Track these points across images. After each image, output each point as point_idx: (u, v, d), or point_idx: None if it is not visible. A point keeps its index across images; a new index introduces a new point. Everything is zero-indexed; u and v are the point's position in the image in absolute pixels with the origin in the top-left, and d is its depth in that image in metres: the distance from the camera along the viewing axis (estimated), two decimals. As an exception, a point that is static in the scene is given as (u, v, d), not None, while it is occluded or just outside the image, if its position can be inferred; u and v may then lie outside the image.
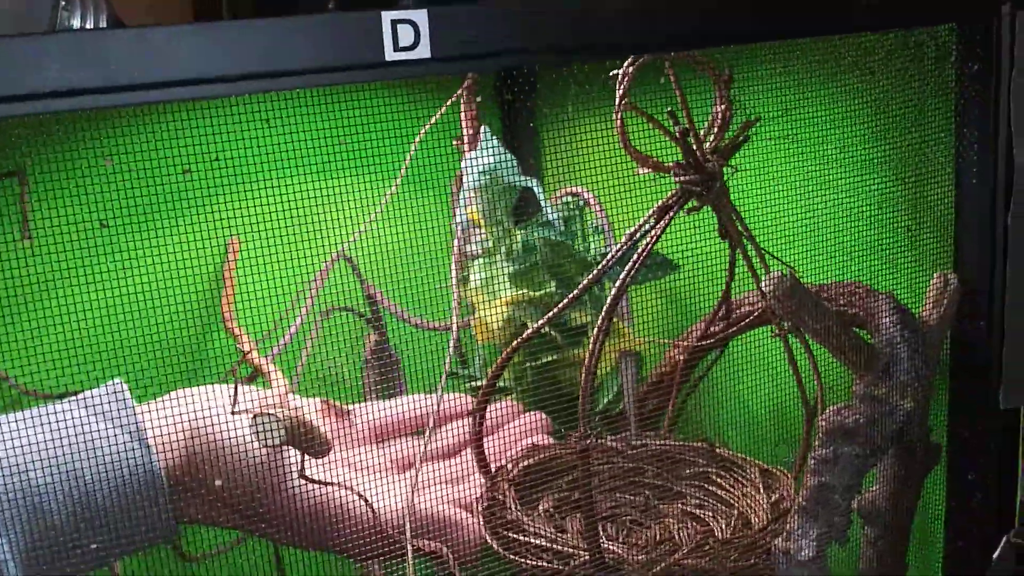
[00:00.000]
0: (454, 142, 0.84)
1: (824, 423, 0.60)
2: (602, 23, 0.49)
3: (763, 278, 0.58)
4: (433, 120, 0.76)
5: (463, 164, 0.80)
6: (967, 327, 0.63)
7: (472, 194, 0.79)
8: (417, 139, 0.75)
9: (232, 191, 0.64)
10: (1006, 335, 0.61)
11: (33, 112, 0.39)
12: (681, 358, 0.74)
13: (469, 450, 0.72)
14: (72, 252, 0.56)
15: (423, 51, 0.45)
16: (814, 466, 0.60)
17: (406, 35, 0.44)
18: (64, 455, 0.57)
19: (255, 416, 0.58)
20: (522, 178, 0.78)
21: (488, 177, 0.77)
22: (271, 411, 0.58)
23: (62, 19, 0.52)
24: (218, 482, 0.60)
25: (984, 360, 0.62)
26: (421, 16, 0.44)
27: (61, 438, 0.57)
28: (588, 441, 0.59)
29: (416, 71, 0.45)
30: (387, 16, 0.44)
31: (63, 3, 0.51)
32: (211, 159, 0.48)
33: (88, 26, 0.53)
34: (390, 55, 0.44)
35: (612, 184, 0.66)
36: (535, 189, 0.78)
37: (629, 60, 0.59)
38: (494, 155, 0.77)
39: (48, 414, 0.58)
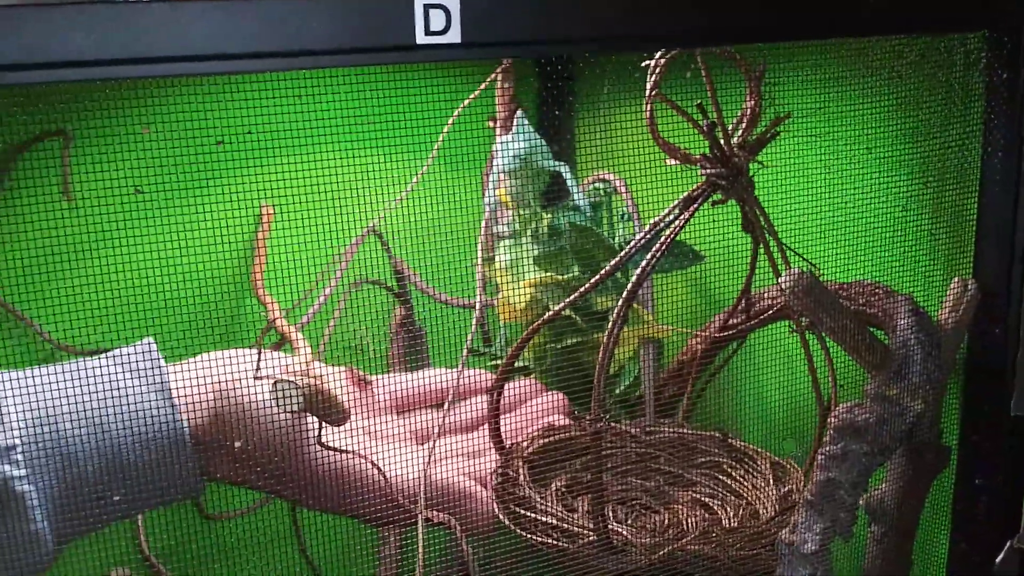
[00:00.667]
0: (488, 122, 0.85)
1: (835, 420, 0.60)
2: (632, 15, 0.50)
3: (783, 274, 0.59)
4: (468, 101, 0.77)
5: (496, 146, 0.81)
6: (983, 333, 0.63)
7: (503, 176, 0.80)
8: (452, 119, 0.76)
9: (267, 162, 0.65)
10: (1021, 343, 0.61)
11: (66, 79, 0.40)
12: (700, 348, 0.75)
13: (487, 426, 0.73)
14: (110, 214, 0.57)
15: (453, 36, 0.46)
16: (823, 461, 0.60)
17: (438, 20, 0.45)
18: (95, 408, 0.59)
19: (275, 382, 0.60)
20: (553, 163, 0.79)
21: (520, 162, 0.77)
22: (291, 378, 0.60)
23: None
24: (237, 444, 0.62)
25: (998, 367, 0.62)
26: (453, 1, 0.45)
27: (93, 391, 0.59)
28: (600, 425, 0.60)
29: (445, 55, 0.46)
30: (420, 0, 0.45)
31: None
32: (244, 132, 0.50)
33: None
34: (421, 39, 0.45)
35: (643, 172, 0.67)
36: (565, 174, 0.79)
37: (661, 51, 0.60)
38: (527, 140, 0.78)
39: (81, 368, 0.60)
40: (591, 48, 0.51)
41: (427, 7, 0.45)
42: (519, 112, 0.78)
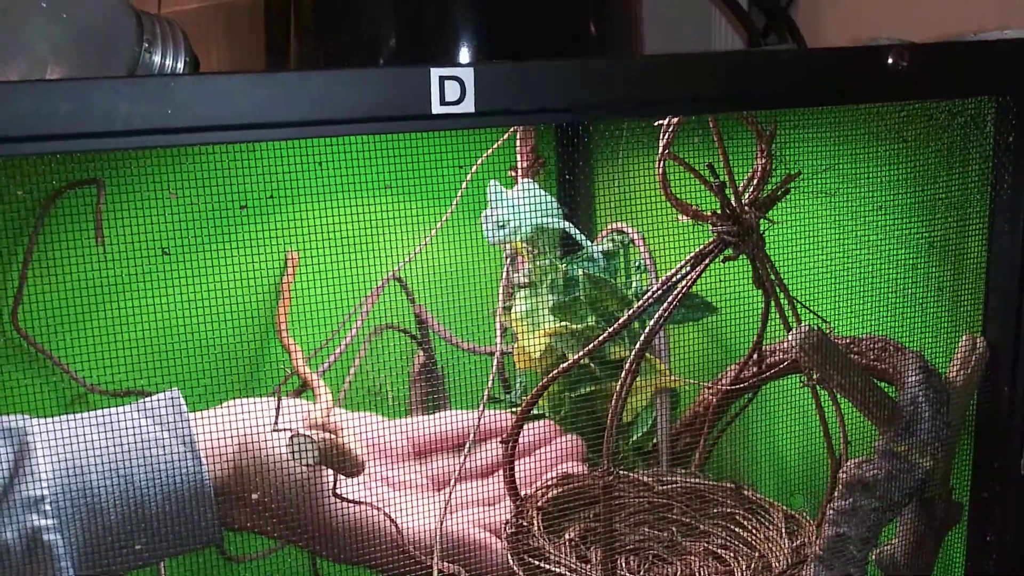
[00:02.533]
0: (509, 172, 0.86)
1: (844, 475, 0.61)
2: (639, 83, 0.51)
3: (793, 329, 0.60)
4: (487, 154, 0.79)
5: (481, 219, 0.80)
6: (993, 390, 0.63)
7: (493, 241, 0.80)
8: (473, 170, 0.78)
9: (292, 210, 0.67)
10: (1029, 401, 0.62)
11: (105, 148, 0.42)
12: (713, 400, 0.76)
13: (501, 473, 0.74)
14: (140, 262, 0.59)
15: (467, 106, 0.47)
16: (832, 516, 0.61)
17: (452, 90, 0.47)
18: (121, 458, 0.61)
19: (291, 437, 0.61)
20: (558, 222, 0.79)
21: (503, 232, 0.78)
22: (307, 432, 0.61)
23: (144, 58, 0.56)
24: (255, 496, 0.63)
25: (1008, 424, 0.63)
26: (467, 73, 0.47)
27: (119, 442, 0.61)
28: (611, 477, 0.61)
29: (459, 124, 0.48)
30: (436, 72, 0.47)
31: (145, 44, 0.55)
32: (267, 196, 0.52)
33: (168, 63, 0.57)
34: (436, 108, 0.47)
35: (659, 226, 0.68)
36: (570, 230, 0.80)
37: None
38: (508, 211, 0.77)
39: (108, 417, 0.62)
40: (601, 115, 0.53)
41: (443, 79, 0.47)
42: (492, 185, 0.78)
